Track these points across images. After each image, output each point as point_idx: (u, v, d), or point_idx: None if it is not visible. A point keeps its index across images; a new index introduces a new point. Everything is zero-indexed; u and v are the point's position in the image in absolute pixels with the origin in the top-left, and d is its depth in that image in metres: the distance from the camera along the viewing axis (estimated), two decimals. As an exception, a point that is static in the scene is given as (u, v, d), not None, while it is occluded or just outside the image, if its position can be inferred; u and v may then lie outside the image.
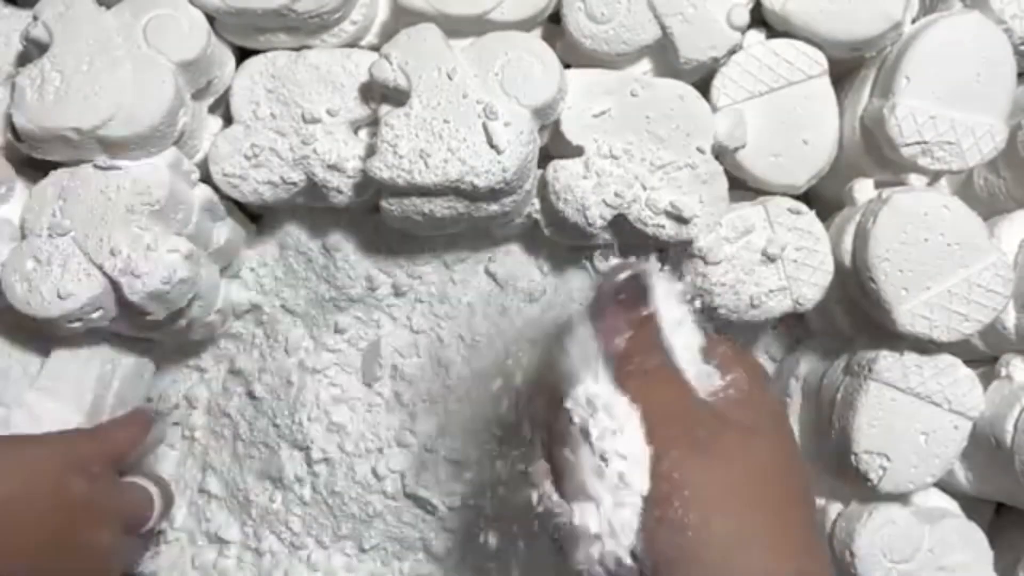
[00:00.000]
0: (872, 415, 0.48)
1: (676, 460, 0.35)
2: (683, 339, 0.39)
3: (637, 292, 0.39)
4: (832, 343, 0.53)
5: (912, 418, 0.48)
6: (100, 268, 0.45)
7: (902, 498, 0.50)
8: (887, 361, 0.48)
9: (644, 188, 0.46)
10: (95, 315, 0.46)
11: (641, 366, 0.37)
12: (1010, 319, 0.49)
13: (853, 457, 0.48)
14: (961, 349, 0.49)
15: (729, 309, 0.48)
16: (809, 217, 0.48)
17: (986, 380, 0.50)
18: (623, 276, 0.39)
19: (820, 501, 0.52)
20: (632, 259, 0.40)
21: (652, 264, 0.39)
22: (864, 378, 0.48)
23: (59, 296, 0.44)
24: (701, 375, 0.38)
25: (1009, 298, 0.47)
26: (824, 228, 0.49)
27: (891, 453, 0.48)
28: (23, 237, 0.46)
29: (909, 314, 0.46)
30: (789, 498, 0.37)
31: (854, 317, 0.51)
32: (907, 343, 0.48)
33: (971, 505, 0.53)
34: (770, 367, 0.57)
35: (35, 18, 0.46)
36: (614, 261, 0.40)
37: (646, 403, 0.36)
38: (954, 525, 0.49)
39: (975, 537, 0.49)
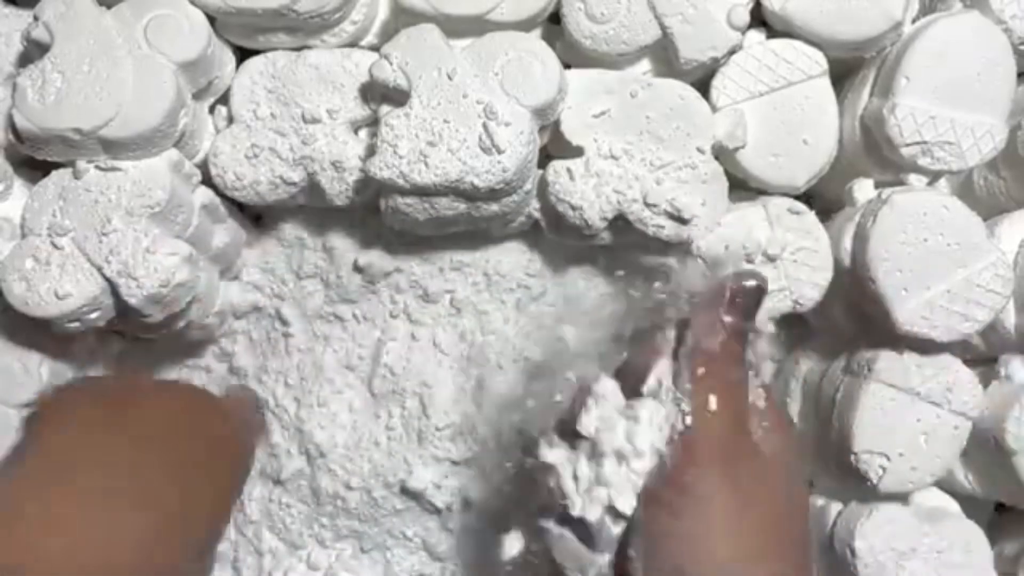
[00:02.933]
0: (872, 415, 0.48)
1: (697, 476, 0.35)
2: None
3: (749, 303, 0.38)
4: (832, 343, 0.53)
5: (912, 418, 0.48)
6: (99, 269, 0.45)
7: (902, 498, 0.50)
8: (887, 361, 0.48)
9: (644, 188, 0.46)
10: (93, 316, 0.46)
11: (725, 374, 0.37)
12: (1010, 319, 0.49)
13: (853, 457, 0.48)
14: (961, 349, 0.49)
15: None
16: (809, 217, 0.48)
17: (986, 380, 0.50)
18: (751, 283, 0.38)
19: (819, 501, 0.53)
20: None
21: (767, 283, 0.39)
22: (864, 378, 0.48)
23: (57, 296, 0.45)
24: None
25: (1009, 298, 0.47)
26: (825, 228, 0.49)
27: (891, 453, 0.47)
28: (23, 236, 0.46)
29: (909, 314, 0.46)
30: (790, 519, 0.37)
31: (854, 317, 0.50)
32: (907, 343, 0.48)
33: (970, 505, 0.53)
34: (770, 367, 0.57)
35: (35, 18, 0.46)
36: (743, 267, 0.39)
37: (710, 413, 0.36)
38: (954, 525, 0.49)
39: (975, 537, 0.49)
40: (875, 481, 0.48)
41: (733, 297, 0.37)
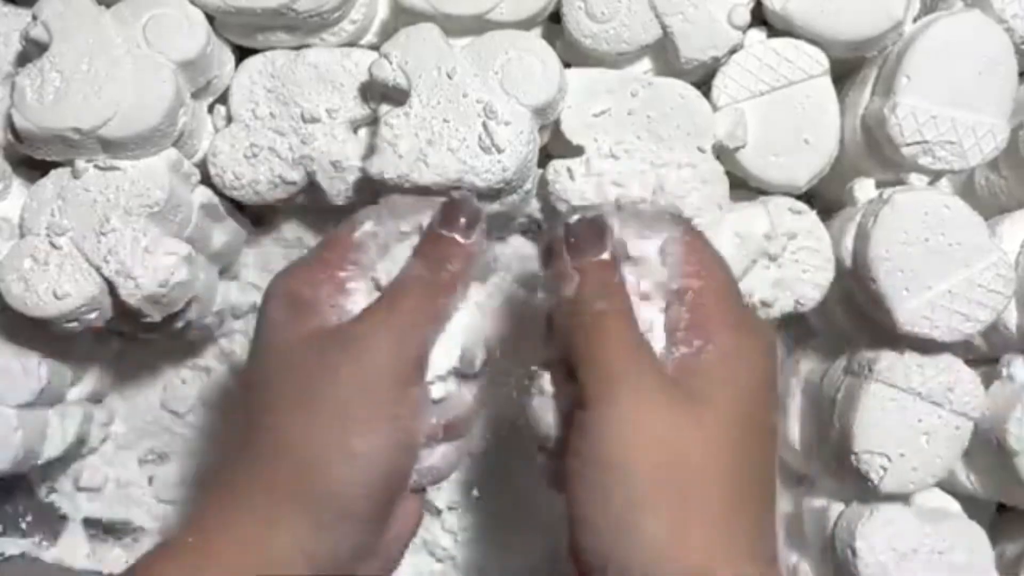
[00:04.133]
0: (873, 415, 0.47)
1: (606, 434, 0.34)
2: (649, 285, 0.37)
3: (591, 235, 0.37)
4: (832, 343, 0.53)
5: (913, 418, 0.47)
6: (97, 269, 0.45)
7: (903, 498, 0.49)
8: (888, 361, 0.48)
9: (645, 188, 0.46)
10: (91, 316, 0.46)
11: (588, 310, 0.36)
12: (1012, 319, 0.48)
13: (854, 457, 0.48)
14: (963, 349, 0.49)
15: None
16: (810, 217, 0.48)
17: (987, 380, 0.50)
18: (573, 219, 0.37)
19: (822, 502, 0.52)
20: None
21: (610, 206, 0.38)
22: (865, 378, 0.48)
23: (56, 296, 0.44)
24: (667, 326, 0.37)
25: (1010, 298, 0.47)
26: (826, 228, 0.49)
27: (892, 453, 0.47)
28: (21, 236, 0.46)
29: (910, 314, 0.46)
30: (737, 495, 0.34)
31: (855, 317, 0.50)
32: (908, 343, 0.48)
33: (972, 505, 0.53)
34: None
35: (34, 17, 0.46)
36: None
37: (585, 353, 0.35)
38: (955, 525, 0.49)
39: (977, 537, 0.49)
40: (876, 481, 0.48)
41: (567, 240, 0.37)
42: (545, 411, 0.38)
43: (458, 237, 0.38)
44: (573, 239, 0.37)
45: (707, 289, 0.37)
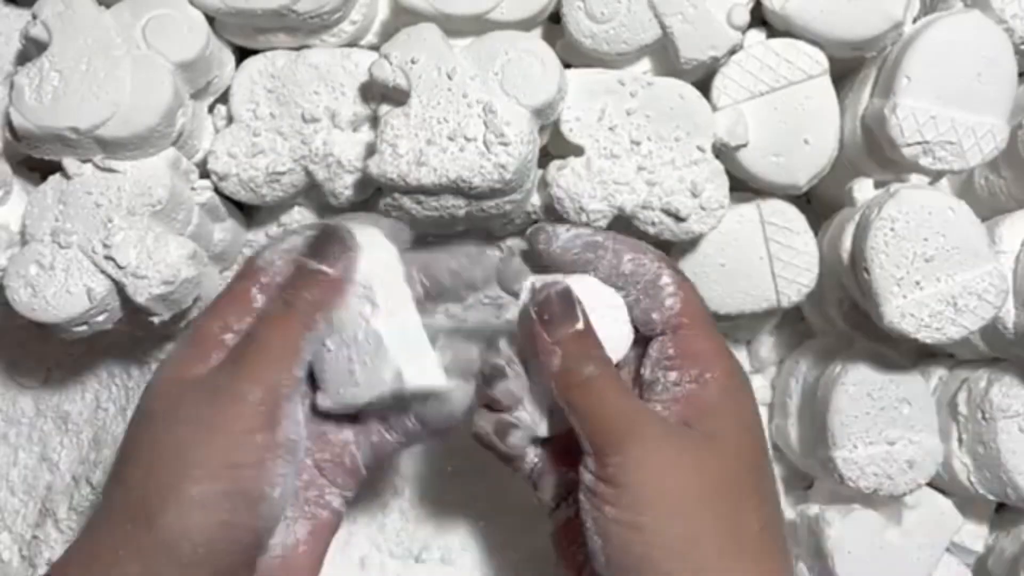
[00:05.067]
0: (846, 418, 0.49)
1: (620, 464, 0.35)
2: (618, 341, 0.39)
3: (564, 309, 0.37)
4: (832, 343, 0.53)
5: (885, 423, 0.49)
6: (104, 271, 0.45)
7: (884, 499, 0.50)
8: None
9: (644, 187, 0.46)
10: (100, 318, 0.46)
11: (579, 377, 0.36)
12: (1010, 318, 0.48)
13: (830, 460, 0.49)
14: (961, 348, 0.49)
15: (710, 300, 0.49)
16: (800, 222, 0.49)
17: (989, 381, 0.50)
18: (544, 295, 0.37)
19: (815, 508, 0.53)
20: (552, 277, 0.39)
21: (574, 278, 0.38)
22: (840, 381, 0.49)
23: (64, 301, 0.44)
24: (651, 375, 0.38)
25: (999, 308, 0.46)
26: (820, 229, 0.49)
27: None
28: (24, 242, 0.46)
29: (897, 311, 0.45)
30: (744, 502, 0.36)
31: (853, 318, 0.50)
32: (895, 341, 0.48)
33: (969, 503, 0.53)
34: (771, 367, 0.57)
35: (34, 17, 0.46)
36: (533, 280, 0.39)
37: (587, 410, 0.36)
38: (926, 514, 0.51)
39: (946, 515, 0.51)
40: (854, 483, 0.49)
41: (541, 317, 0.37)
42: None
43: (325, 268, 0.38)
44: (547, 316, 0.37)
45: (694, 322, 0.38)
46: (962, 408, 0.51)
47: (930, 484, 0.51)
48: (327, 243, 0.38)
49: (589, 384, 0.36)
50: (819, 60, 0.48)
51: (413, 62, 0.44)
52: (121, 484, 0.36)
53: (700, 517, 0.35)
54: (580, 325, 0.37)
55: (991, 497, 0.51)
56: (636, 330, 0.39)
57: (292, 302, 0.37)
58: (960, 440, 0.51)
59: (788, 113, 0.48)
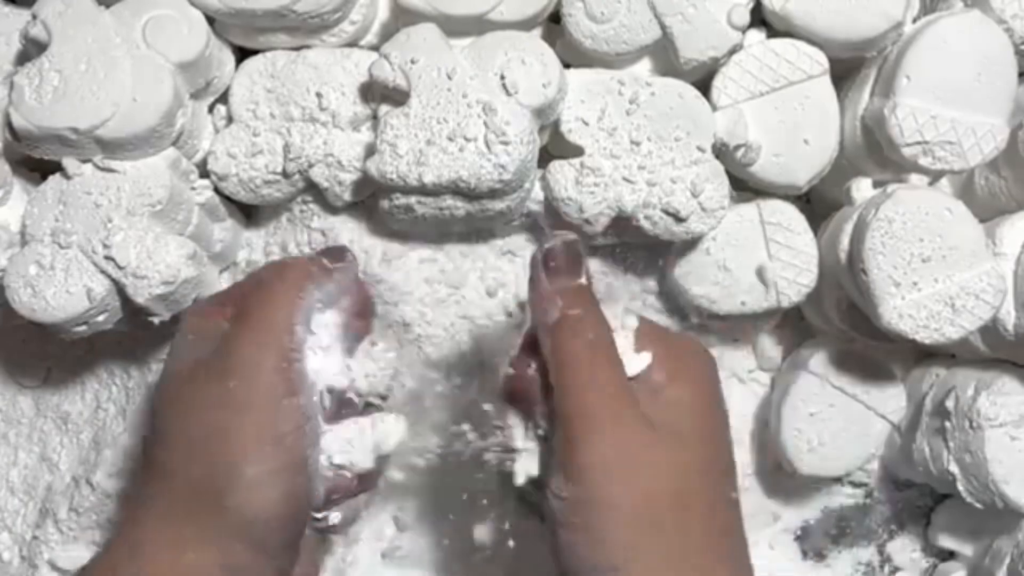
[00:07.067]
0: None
1: (599, 464, 0.35)
2: (616, 319, 0.38)
3: (569, 260, 0.38)
4: (832, 343, 0.53)
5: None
6: (103, 271, 0.45)
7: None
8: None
9: (644, 187, 0.46)
10: (100, 318, 0.46)
11: (582, 335, 0.36)
12: (1010, 319, 0.48)
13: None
14: (961, 349, 0.49)
15: (710, 300, 0.50)
16: (800, 222, 0.49)
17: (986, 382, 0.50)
18: (553, 243, 0.38)
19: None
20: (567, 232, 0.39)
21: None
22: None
23: (64, 301, 0.44)
24: (632, 363, 0.38)
25: (997, 309, 0.46)
26: (820, 228, 0.49)
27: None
28: (24, 243, 0.46)
29: (895, 312, 0.45)
30: (697, 510, 0.36)
31: (851, 318, 0.50)
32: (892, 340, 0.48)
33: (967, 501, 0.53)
34: (772, 368, 0.57)
35: (34, 17, 0.46)
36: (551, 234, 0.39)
37: (578, 377, 0.36)
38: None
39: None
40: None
41: (547, 264, 0.37)
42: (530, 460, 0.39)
43: (326, 262, 0.41)
44: (553, 263, 0.37)
45: (650, 325, 0.39)
46: (951, 417, 0.50)
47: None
48: (334, 251, 0.42)
49: (585, 353, 0.36)
50: (819, 60, 0.48)
51: (413, 62, 0.45)
52: (170, 475, 0.37)
53: (648, 523, 0.35)
54: (583, 280, 0.37)
55: (979, 506, 0.51)
56: None
57: (284, 273, 0.40)
58: (948, 448, 0.51)
59: (788, 113, 0.48)
